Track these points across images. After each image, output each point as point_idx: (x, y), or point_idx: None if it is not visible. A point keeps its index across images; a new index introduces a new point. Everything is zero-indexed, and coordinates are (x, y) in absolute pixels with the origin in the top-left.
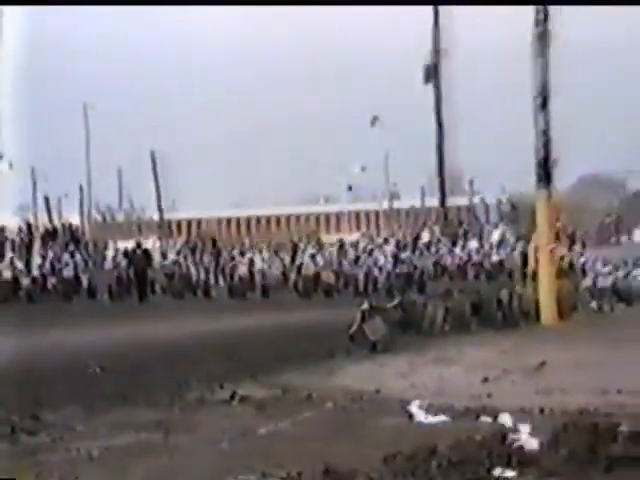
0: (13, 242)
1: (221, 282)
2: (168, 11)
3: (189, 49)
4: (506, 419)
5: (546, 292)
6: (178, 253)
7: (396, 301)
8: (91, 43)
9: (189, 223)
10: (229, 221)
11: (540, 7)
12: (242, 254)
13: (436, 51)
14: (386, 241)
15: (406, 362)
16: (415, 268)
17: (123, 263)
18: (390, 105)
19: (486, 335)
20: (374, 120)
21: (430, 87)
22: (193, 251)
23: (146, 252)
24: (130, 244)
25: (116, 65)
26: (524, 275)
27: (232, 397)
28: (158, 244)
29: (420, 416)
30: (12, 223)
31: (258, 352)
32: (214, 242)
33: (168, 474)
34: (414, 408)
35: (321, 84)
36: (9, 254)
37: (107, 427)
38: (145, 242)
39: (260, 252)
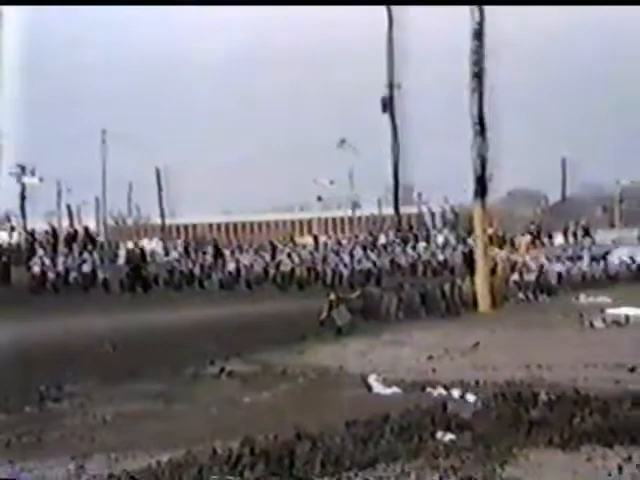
0: (41, 243)
1: (214, 276)
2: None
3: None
4: (446, 390)
5: (482, 285)
6: (185, 250)
7: (358, 292)
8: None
9: (186, 227)
10: (219, 225)
11: (476, 46)
12: (232, 253)
13: (391, 85)
14: (350, 243)
15: (366, 343)
16: (374, 265)
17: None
18: (355, 129)
19: (432, 321)
20: (341, 142)
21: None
22: (187, 251)
23: (142, 250)
24: (127, 245)
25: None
26: (470, 271)
27: (221, 372)
28: (161, 244)
29: (377, 388)
30: (41, 227)
31: (243, 335)
32: (216, 245)
33: (168, 434)
34: (372, 381)
35: (299, 107)
36: (39, 253)
37: (119, 396)
38: (150, 243)
39: (245, 252)
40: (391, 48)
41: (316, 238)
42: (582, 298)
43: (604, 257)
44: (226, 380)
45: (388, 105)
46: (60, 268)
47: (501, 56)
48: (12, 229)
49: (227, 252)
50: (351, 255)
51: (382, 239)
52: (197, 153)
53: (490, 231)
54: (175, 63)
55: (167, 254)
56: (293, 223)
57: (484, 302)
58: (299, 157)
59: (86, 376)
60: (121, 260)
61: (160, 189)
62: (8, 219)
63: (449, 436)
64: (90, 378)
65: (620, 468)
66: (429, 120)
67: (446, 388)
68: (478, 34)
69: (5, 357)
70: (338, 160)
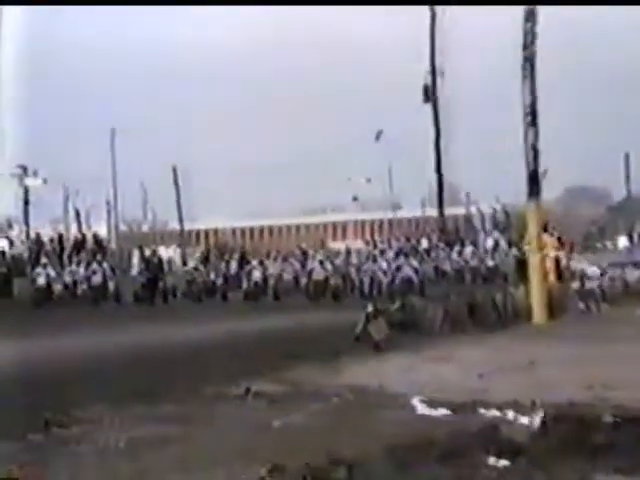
0: (47, 252)
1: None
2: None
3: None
4: (500, 412)
5: (537, 294)
6: (206, 258)
7: (398, 304)
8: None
9: (207, 233)
10: (243, 231)
11: (528, 28)
12: (261, 262)
13: (433, 71)
14: (389, 248)
15: (407, 360)
16: (416, 273)
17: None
18: (394, 121)
19: (481, 335)
20: (379, 134)
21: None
22: (208, 259)
23: (160, 260)
24: (144, 253)
25: (135, 82)
26: (523, 278)
27: (247, 392)
28: (179, 252)
29: (421, 409)
30: (46, 234)
31: (270, 351)
32: (243, 253)
33: (188, 461)
34: (415, 402)
35: (332, 99)
36: (44, 262)
37: (132, 420)
38: (167, 251)
39: (273, 259)
40: (433, 29)
41: (351, 243)
42: None
43: None
44: (252, 401)
45: (430, 94)
46: (67, 279)
47: (556, 39)
48: (10, 240)
49: (253, 260)
50: (390, 262)
51: (425, 243)
52: (219, 152)
53: (546, 233)
54: (193, 58)
55: (185, 263)
56: (326, 227)
57: (540, 313)
58: (332, 154)
59: (97, 398)
60: (135, 270)
61: (178, 190)
62: (10, 225)
63: (502, 462)
64: (100, 400)
65: None
66: (476, 111)
67: (499, 409)
68: (531, 14)
69: (6, 378)
70: (375, 156)
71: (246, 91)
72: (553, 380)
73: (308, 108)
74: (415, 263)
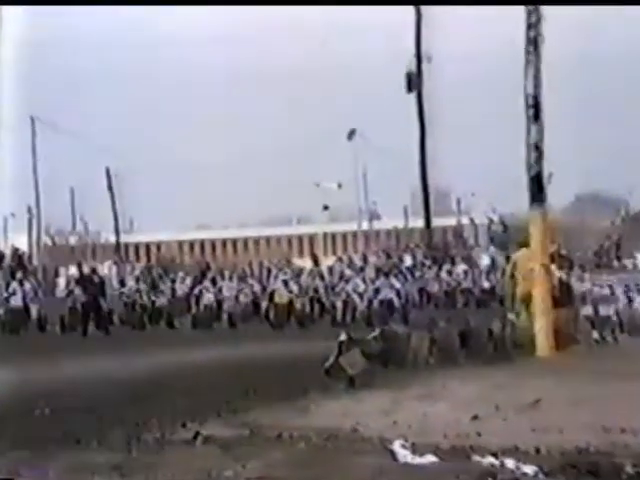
0: None
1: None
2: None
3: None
4: (497, 459)
5: (542, 321)
6: (137, 280)
7: (376, 332)
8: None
9: (148, 246)
10: (192, 244)
11: (532, 8)
12: (214, 282)
13: (419, 56)
14: (365, 265)
15: (387, 398)
16: (398, 295)
17: (76, 291)
18: (368, 117)
19: (476, 369)
20: (351, 133)
21: (412, 97)
22: (150, 277)
23: (101, 280)
24: (83, 270)
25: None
26: (526, 302)
27: (195, 437)
28: (115, 270)
29: (404, 456)
30: None
31: (224, 388)
32: (207, 266)
33: None
34: (397, 447)
35: (292, 92)
36: None
37: (58, 472)
38: (101, 267)
39: (227, 278)
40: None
41: (320, 259)
42: None
43: None
44: (202, 448)
45: (415, 82)
46: None
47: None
48: None
49: (204, 279)
50: (367, 282)
51: (408, 260)
52: (162, 153)
53: (552, 248)
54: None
55: (123, 282)
56: (290, 240)
57: (545, 343)
58: (297, 155)
59: (14, 447)
60: (61, 291)
61: (113, 197)
62: None
63: None
64: (20, 449)
65: None
66: (469, 103)
67: (496, 456)
68: None
69: None
70: (348, 158)
71: (199, 80)
72: (562, 422)
73: (270, 99)
74: (397, 283)
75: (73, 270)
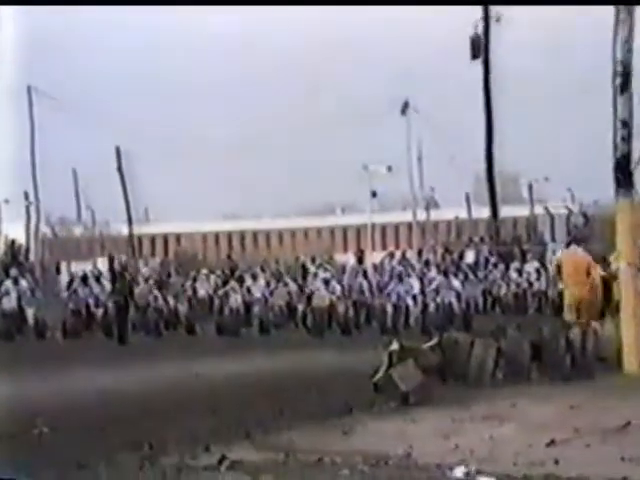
0: None
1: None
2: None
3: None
4: None
5: (631, 331)
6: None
7: (434, 340)
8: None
9: (165, 239)
10: (217, 237)
11: None
12: (241, 281)
13: (487, 17)
14: (421, 262)
15: (447, 418)
16: (458, 298)
17: (80, 291)
18: (424, 88)
19: (551, 386)
20: (405, 106)
21: (476, 65)
22: (167, 275)
23: (132, 277)
24: (89, 267)
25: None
26: (611, 308)
27: (220, 462)
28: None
29: None
30: None
31: (254, 405)
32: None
33: None
34: (457, 475)
35: (336, 67)
36: None
37: None
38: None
39: (257, 277)
40: None
41: (362, 256)
42: None
43: None
44: (228, 474)
45: (481, 48)
46: None
47: None
48: None
49: (231, 279)
50: (423, 282)
51: (471, 257)
52: (181, 130)
53: None
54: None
55: (136, 284)
56: (333, 232)
57: (634, 358)
58: (340, 133)
59: (5, 472)
60: (63, 292)
61: (123, 180)
62: None
63: None
64: (15, 474)
65: None
66: (540, 73)
67: None
68: None
69: None
70: (400, 136)
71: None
72: None
73: (308, 68)
74: (457, 284)
75: (77, 267)
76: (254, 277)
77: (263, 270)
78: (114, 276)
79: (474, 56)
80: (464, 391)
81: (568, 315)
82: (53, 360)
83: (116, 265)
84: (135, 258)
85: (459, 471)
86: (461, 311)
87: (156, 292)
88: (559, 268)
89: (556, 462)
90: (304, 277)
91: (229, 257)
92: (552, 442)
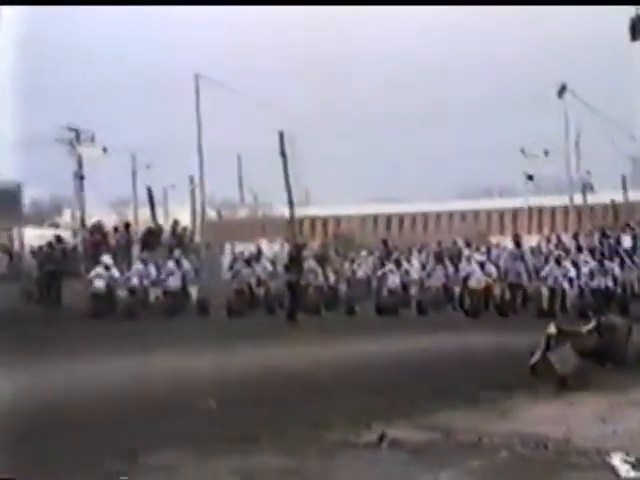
0: (109, 246)
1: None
2: None
3: None
4: None
5: None
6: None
7: (591, 324)
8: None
9: (325, 222)
10: (376, 219)
11: None
12: (398, 263)
13: None
14: (577, 246)
15: (605, 403)
16: (615, 282)
17: (244, 272)
18: (582, 71)
19: None
20: (562, 89)
21: (637, 46)
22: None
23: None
24: (251, 248)
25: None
26: None
27: (381, 439)
28: (287, 248)
29: (625, 472)
30: (107, 221)
31: (413, 385)
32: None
33: None
34: (616, 461)
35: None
36: (104, 260)
37: (225, 473)
38: (271, 246)
39: (415, 258)
40: None
41: (524, 237)
42: None
43: None
44: (388, 452)
45: None
46: (135, 282)
47: None
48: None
49: (387, 261)
50: (579, 266)
51: (628, 241)
52: (339, 112)
53: None
54: None
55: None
56: (490, 215)
57: None
58: (498, 116)
59: (174, 443)
60: (226, 272)
61: (286, 164)
62: (58, 209)
63: None
64: (180, 446)
65: None
66: None
67: None
68: None
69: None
70: (557, 120)
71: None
72: None
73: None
74: (615, 268)
75: (240, 247)
76: (409, 260)
77: (420, 252)
78: (290, 257)
79: (633, 37)
80: (621, 376)
81: None
82: (216, 336)
83: (290, 246)
84: (295, 240)
85: (618, 457)
86: (619, 295)
87: (318, 269)
88: None
89: None
90: (459, 259)
91: (384, 242)
92: None
